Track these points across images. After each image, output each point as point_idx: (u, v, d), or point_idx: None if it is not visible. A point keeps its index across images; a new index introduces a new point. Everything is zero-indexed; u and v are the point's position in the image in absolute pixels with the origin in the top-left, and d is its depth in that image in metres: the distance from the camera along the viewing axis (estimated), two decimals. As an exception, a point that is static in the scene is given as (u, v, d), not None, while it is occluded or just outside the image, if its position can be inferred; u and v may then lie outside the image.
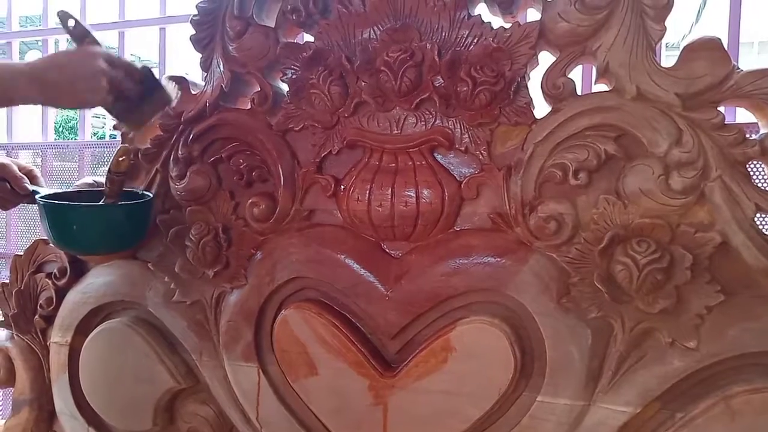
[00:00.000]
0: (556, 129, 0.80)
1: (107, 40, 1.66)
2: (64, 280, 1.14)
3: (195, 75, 1.05)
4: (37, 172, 1.03)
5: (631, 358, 0.78)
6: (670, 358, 0.76)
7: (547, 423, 0.82)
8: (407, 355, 0.90)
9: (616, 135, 0.78)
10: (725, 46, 0.75)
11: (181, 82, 1.01)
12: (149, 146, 1.05)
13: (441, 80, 0.84)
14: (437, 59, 0.83)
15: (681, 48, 0.75)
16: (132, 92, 0.90)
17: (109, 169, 0.94)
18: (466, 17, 0.84)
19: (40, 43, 2.19)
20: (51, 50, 2.09)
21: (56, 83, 0.83)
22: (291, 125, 0.94)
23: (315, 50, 0.91)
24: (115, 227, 0.97)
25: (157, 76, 0.92)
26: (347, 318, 0.93)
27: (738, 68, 0.73)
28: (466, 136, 0.85)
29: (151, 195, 1.02)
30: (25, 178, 0.99)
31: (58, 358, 1.15)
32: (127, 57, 1.58)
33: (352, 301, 0.92)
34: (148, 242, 1.06)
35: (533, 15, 0.85)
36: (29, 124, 2.33)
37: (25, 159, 2.14)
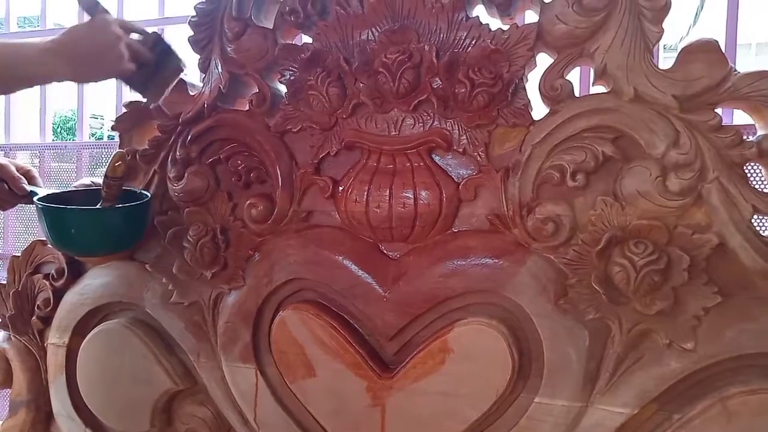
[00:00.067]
0: (554, 131, 0.80)
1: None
2: (61, 281, 1.14)
3: (193, 76, 1.05)
4: (35, 172, 1.03)
5: (628, 359, 0.78)
6: (668, 360, 0.76)
7: (545, 424, 0.82)
8: (405, 356, 0.90)
9: (613, 137, 0.78)
10: (722, 47, 0.75)
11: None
12: (147, 147, 1.05)
13: (439, 82, 0.84)
14: (435, 61, 0.83)
15: (678, 50, 0.75)
16: (147, 59, 0.93)
17: (105, 174, 0.94)
18: (464, 19, 0.84)
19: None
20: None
21: (83, 56, 0.85)
22: (289, 126, 0.94)
23: (313, 51, 0.91)
24: (113, 229, 0.97)
25: (166, 41, 0.95)
26: (345, 319, 0.93)
27: (735, 70, 0.73)
28: (464, 137, 0.85)
29: (149, 194, 1.02)
30: (23, 178, 0.99)
31: (55, 359, 1.15)
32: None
33: (350, 303, 0.92)
34: (146, 243, 1.06)
35: (531, 17, 0.85)
36: (27, 124, 2.32)
37: (23, 160, 2.13)
